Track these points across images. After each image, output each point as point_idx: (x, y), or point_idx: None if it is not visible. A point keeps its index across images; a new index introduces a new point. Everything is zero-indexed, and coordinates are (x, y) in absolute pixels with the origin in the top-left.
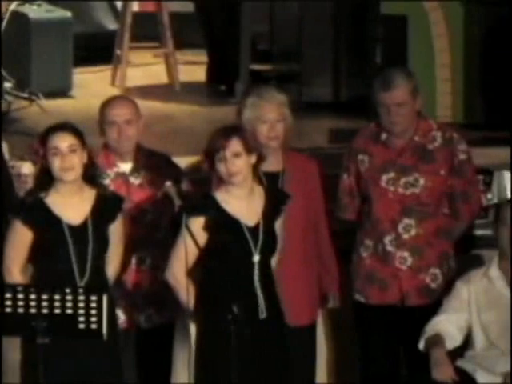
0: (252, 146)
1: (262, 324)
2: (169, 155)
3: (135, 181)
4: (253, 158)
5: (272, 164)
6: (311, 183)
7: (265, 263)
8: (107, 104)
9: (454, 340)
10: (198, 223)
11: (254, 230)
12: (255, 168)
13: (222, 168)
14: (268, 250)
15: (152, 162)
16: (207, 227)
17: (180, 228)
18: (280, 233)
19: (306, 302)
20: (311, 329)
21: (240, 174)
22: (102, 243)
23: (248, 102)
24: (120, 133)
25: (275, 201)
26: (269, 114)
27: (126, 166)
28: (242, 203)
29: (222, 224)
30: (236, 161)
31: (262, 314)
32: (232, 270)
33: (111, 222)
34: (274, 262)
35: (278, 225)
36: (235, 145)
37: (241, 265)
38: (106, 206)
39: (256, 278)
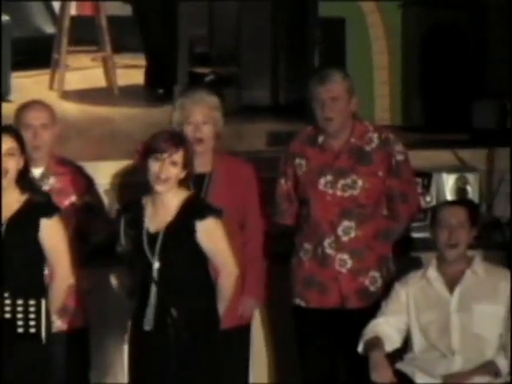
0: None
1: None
2: (81, 166)
3: (44, 187)
4: (182, 174)
5: (199, 166)
6: (245, 187)
7: (169, 271)
8: (24, 107)
9: (393, 342)
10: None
11: (154, 236)
12: (183, 180)
13: (154, 169)
14: (172, 258)
15: (62, 171)
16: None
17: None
18: (210, 246)
19: (236, 303)
20: (245, 330)
21: (168, 183)
22: (25, 249)
23: (177, 104)
24: (35, 136)
25: (193, 212)
26: (195, 115)
27: (37, 171)
28: (159, 209)
29: (133, 227)
30: (171, 169)
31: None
32: (139, 274)
33: (35, 229)
34: (224, 279)
35: (203, 237)
36: (178, 155)
37: (143, 270)
38: (31, 213)
39: (154, 284)
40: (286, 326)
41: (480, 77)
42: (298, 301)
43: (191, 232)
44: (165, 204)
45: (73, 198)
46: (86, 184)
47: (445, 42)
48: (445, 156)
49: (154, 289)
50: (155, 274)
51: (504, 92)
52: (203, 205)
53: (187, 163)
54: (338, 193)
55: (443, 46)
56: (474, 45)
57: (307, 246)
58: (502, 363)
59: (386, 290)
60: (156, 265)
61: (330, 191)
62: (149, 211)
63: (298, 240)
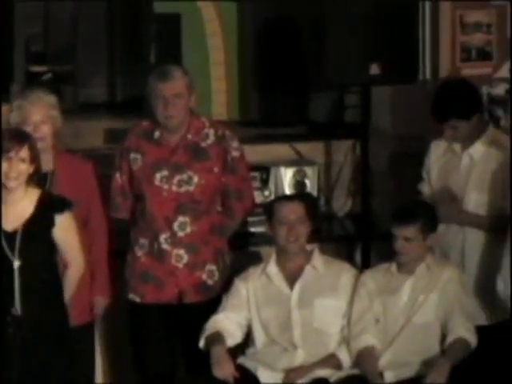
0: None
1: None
2: None
3: None
4: (31, 169)
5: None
6: (85, 184)
7: (29, 270)
8: None
9: (234, 337)
10: None
11: (11, 235)
12: (31, 175)
13: (4, 168)
14: (32, 255)
15: None
16: None
17: None
18: (64, 240)
19: (87, 300)
20: (91, 326)
21: (18, 179)
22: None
23: (14, 105)
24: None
25: (48, 208)
26: (33, 116)
27: None
28: (9, 208)
29: None
30: (20, 165)
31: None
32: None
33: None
34: (72, 273)
35: (60, 231)
36: (24, 151)
37: (4, 270)
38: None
39: (16, 284)
40: (120, 322)
41: (316, 70)
42: (132, 296)
43: (49, 226)
44: (17, 202)
45: None
46: None
47: (281, 36)
48: (283, 150)
49: (16, 288)
50: (16, 273)
51: (341, 85)
52: (60, 199)
53: (34, 158)
54: (174, 188)
55: (279, 40)
56: (311, 38)
57: (143, 241)
58: (344, 356)
59: (225, 284)
60: (16, 264)
61: (166, 186)
62: (2, 211)
63: (134, 235)
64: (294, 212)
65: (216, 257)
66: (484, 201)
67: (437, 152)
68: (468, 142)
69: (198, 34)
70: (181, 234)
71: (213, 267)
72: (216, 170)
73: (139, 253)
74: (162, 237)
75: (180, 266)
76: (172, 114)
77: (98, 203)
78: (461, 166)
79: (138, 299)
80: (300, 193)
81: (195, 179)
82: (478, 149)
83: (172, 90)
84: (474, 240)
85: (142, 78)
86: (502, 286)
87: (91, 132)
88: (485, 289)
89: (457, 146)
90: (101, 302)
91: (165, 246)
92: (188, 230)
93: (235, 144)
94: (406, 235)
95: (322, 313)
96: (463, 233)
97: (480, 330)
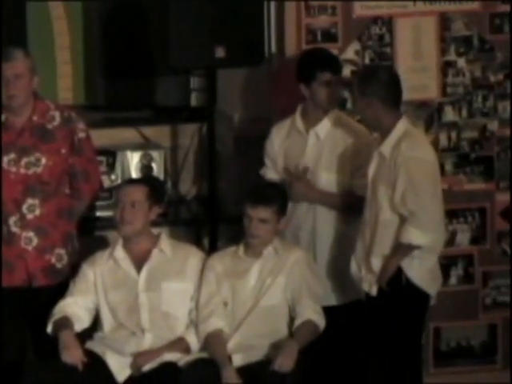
0: None
1: None
2: None
3: None
4: None
5: None
6: None
7: None
8: None
9: (82, 322)
10: None
11: None
12: None
13: None
14: None
15: None
16: None
17: None
18: None
19: None
20: None
21: None
22: None
23: None
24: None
25: None
26: None
27: None
28: None
29: None
30: None
31: None
32: None
33: None
34: None
35: None
36: None
37: None
38: None
39: None
40: None
41: (162, 54)
42: None
43: None
44: None
45: None
46: None
47: (126, 20)
48: (129, 134)
49: None
50: None
51: (186, 68)
52: None
53: None
54: (22, 170)
55: (125, 24)
56: (156, 22)
57: None
58: (192, 339)
59: (74, 269)
60: None
61: (14, 169)
62: None
63: None
64: (130, 195)
65: (65, 240)
66: (334, 180)
67: (280, 135)
68: (313, 121)
69: (43, 17)
70: (30, 216)
71: (62, 251)
72: (63, 151)
73: None
74: (12, 219)
75: (29, 248)
76: (13, 93)
77: None
78: (308, 146)
79: None
80: (145, 176)
81: (43, 161)
82: (324, 127)
83: (13, 69)
84: (325, 220)
85: None
86: (354, 265)
87: None
88: (336, 269)
89: (300, 126)
90: None
91: (14, 229)
92: (37, 212)
93: (81, 125)
94: (262, 217)
95: (169, 296)
96: (313, 213)
97: (330, 311)
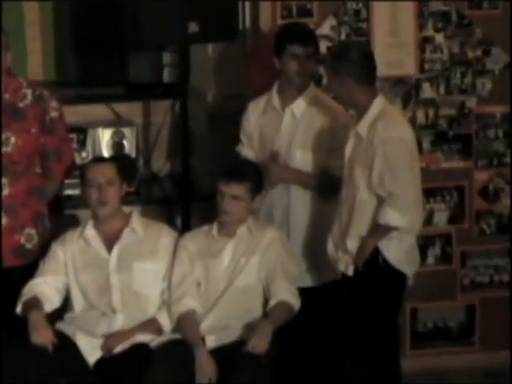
0: None
1: None
2: None
3: None
4: None
5: None
6: None
7: None
8: None
9: (52, 303)
10: None
11: None
12: None
13: None
14: None
15: None
16: None
17: None
18: None
19: None
20: None
21: None
22: None
23: None
24: None
25: None
26: None
27: None
28: None
29: None
30: None
31: None
32: None
33: None
34: None
35: None
36: None
37: None
38: None
39: None
40: None
41: (134, 29)
42: None
43: None
44: None
45: None
46: None
47: None
48: (100, 111)
49: None
50: None
51: (159, 44)
52: None
53: None
54: None
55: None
56: None
57: None
58: (164, 320)
59: (44, 249)
60: None
61: None
62: None
63: None
64: (103, 174)
65: (35, 220)
66: (309, 158)
67: (256, 112)
68: (289, 98)
69: None
70: None
71: (32, 231)
72: (33, 130)
73: None
74: None
75: None
76: None
77: None
78: (283, 123)
79: None
80: (115, 154)
81: (12, 140)
82: (301, 105)
83: None
84: (300, 199)
85: None
86: (331, 246)
87: None
88: (311, 249)
89: (277, 103)
90: None
91: None
92: (6, 191)
93: (54, 104)
94: (235, 193)
95: (141, 276)
96: (288, 192)
97: (306, 292)
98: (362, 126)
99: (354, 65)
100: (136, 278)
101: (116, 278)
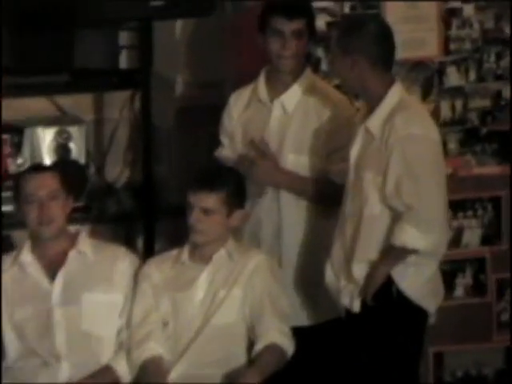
0: None
1: None
2: None
3: None
4: None
5: None
6: None
7: None
8: None
9: None
10: None
11: None
12: None
13: None
14: None
15: None
16: None
17: None
18: None
19: None
20: None
21: None
22: None
23: None
24: None
25: None
26: None
27: None
28: None
29: None
30: None
31: None
32: None
33: None
34: None
35: None
36: None
37: None
38: None
39: None
40: None
41: (83, 2)
42: None
43: None
44: None
45: None
46: None
47: None
48: (40, 104)
49: None
50: None
51: (114, 20)
52: None
53: None
54: None
55: None
56: None
57: None
58: (122, 368)
59: None
60: None
61: None
62: None
63: None
64: (44, 186)
65: None
66: (304, 163)
67: (239, 106)
68: (279, 88)
69: None
70: None
71: None
72: None
73: None
74: None
75: None
76: None
77: None
78: (271, 119)
79: None
80: (59, 160)
81: None
82: (293, 96)
83: None
84: (293, 214)
85: None
86: (331, 274)
87: None
88: (307, 278)
89: (264, 94)
90: None
91: None
92: None
93: None
94: (205, 205)
95: (92, 311)
96: (278, 205)
97: (300, 333)
98: (375, 121)
99: (370, 42)
100: (86, 314)
101: (60, 315)
